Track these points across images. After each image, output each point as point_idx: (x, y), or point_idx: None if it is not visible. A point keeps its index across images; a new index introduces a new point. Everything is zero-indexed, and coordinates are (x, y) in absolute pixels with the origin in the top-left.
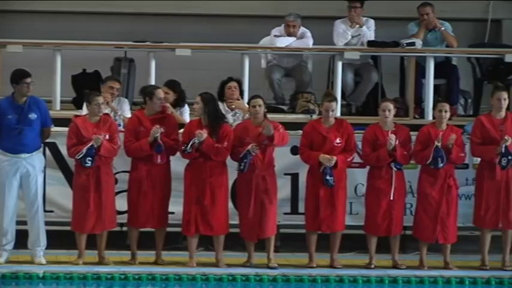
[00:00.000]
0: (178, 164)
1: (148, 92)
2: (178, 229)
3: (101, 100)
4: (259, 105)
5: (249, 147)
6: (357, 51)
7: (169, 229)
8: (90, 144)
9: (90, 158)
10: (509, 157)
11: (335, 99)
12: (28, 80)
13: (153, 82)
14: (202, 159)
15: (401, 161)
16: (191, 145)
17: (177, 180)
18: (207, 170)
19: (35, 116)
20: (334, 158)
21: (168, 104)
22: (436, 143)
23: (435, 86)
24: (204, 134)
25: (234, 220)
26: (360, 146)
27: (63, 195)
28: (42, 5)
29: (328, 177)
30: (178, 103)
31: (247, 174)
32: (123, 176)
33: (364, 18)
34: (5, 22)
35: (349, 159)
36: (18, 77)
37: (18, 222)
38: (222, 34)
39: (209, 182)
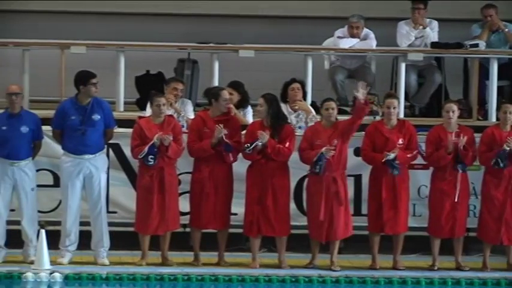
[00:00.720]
0: (240, 165)
1: (214, 93)
2: (241, 230)
3: (162, 101)
4: (332, 108)
5: (323, 150)
6: (420, 52)
7: (231, 230)
8: (152, 142)
9: (152, 156)
10: None
11: (396, 98)
12: (95, 80)
13: (216, 83)
14: (264, 160)
15: (467, 163)
16: (253, 147)
17: (239, 181)
18: (269, 171)
19: (98, 117)
20: (396, 150)
21: (231, 105)
22: (504, 146)
23: (499, 88)
24: (266, 135)
25: (297, 221)
26: (423, 147)
27: (126, 196)
28: (106, 6)
29: (394, 164)
30: (241, 104)
31: (318, 176)
32: (187, 177)
33: (428, 20)
34: (70, 23)
35: (409, 155)
36: (85, 78)
37: (81, 223)
38: (285, 35)
39: (271, 183)
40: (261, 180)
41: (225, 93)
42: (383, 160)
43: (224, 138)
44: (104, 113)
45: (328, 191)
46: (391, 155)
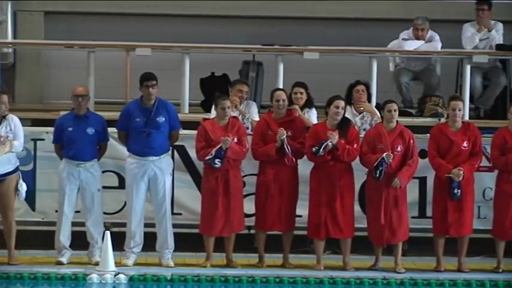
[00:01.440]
0: (304, 167)
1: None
2: (305, 232)
3: (227, 103)
4: (395, 110)
5: (384, 155)
6: (485, 54)
7: (296, 232)
8: (219, 146)
9: (219, 160)
10: None
11: (461, 100)
12: (149, 83)
13: (281, 85)
14: (332, 162)
15: None
16: (324, 148)
17: (304, 183)
18: (337, 173)
19: (163, 119)
20: (462, 171)
21: (296, 107)
22: None
23: None
24: (336, 135)
25: (361, 224)
26: (488, 150)
27: (191, 198)
28: (172, 8)
29: (455, 191)
30: (306, 105)
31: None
32: (251, 179)
33: (493, 22)
34: (135, 25)
35: (476, 166)
36: (141, 79)
37: (146, 225)
38: (350, 37)
39: (339, 184)
40: (328, 182)
41: (278, 95)
42: (448, 181)
43: (286, 141)
44: (169, 115)
45: (388, 195)
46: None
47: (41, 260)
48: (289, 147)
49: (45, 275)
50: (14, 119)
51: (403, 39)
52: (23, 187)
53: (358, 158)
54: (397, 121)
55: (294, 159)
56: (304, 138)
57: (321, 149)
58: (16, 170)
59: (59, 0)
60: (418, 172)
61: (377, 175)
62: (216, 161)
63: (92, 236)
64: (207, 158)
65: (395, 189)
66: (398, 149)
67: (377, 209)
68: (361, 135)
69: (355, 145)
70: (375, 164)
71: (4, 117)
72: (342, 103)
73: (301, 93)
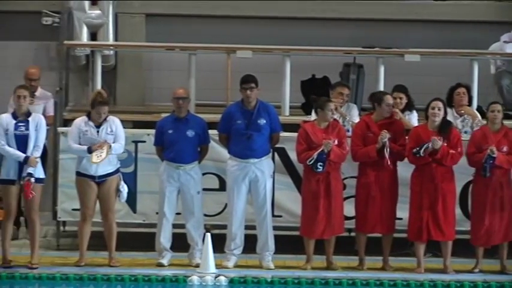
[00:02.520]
0: (404, 170)
1: (377, 98)
2: (405, 235)
3: (332, 106)
4: (498, 111)
5: (488, 151)
6: None
7: (396, 235)
8: (321, 149)
9: (321, 164)
10: None
11: None
12: (247, 85)
13: (381, 88)
14: (434, 165)
15: None
16: (424, 149)
17: (404, 186)
18: (439, 176)
19: (264, 121)
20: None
21: (397, 110)
22: None
23: None
24: (439, 141)
25: (462, 227)
26: None
27: (292, 200)
28: (272, 11)
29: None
30: (407, 108)
31: (486, 180)
32: (352, 181)
33: None
34: (236, 27)
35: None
36: (241, 82)
37: (246, 227)
38: (450, 40)
39: (441, 187)
40: (430, 185)
41: (388, 98)
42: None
43: (387, 143)
44: (270, 117)
45: (494, 196)
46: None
47: (142, 262)
48: (388, 150)
49: (146, 276)
50: (115, 121)
51: (504, 41)
52: (124, 188)
53: (467, 159)
54: (502, 122)
55: (390, 162)
56: (404, 140)
57: (422, 150)
58: (117, 171)
59: (161, 1)
60: None
61: (485, 172)
62: (318, 165)
63: (193, 238)
64: (308, 162)
65: (502, 190)
66: (504, 149)
67: (483, 210)
68: (463, 139)
69: (458, 149)
70: (483, 162)
71: (105, 118)
72: (438, 104)
73: (400, 98)
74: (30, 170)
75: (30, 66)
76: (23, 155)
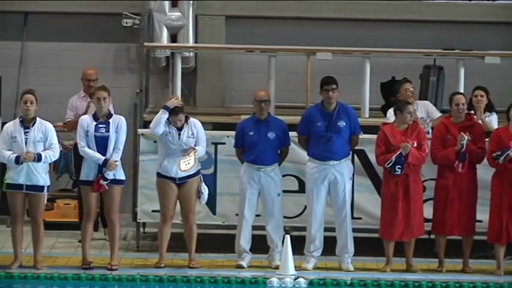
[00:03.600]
0: (484, 172)
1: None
2: (485, 237)
3: (411, 108)
4: None
5: None
6: None
7: (476, 237)
8: (399, 152)
9: (399, 166)
10: None
11: None
12: (329, 86)
13: (461, 90)
14: None
15: None
16: (504, 157)
17: (484, 188)
18: None
19: (344, 123)
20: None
21: (475, 112)
22: None
23: None
24: None
25: None
26: None
27: (371, 202)
28: (351, 13)
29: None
30: (487, 110)
31: None
32: (431, 183)
33: None
34: (316, 29)
35: None
36: (322, 83)
37: (326, 229)
38: None
39: None
40: (511, 188)
41: (457, 99)
42: None
43: (465, 146)
44: (350, 119)
45: None
46: None
47: (221, 264)
48: (466, 155)
49: (225, 278)
50: (196, 124)
51: None
52: (205, 190)
53: None
54: None
55: (462, 168)
56: (483, 143)
57: (502, 158)
58: (197, 173)
59: (241, 3)
60: None
61: None
62: (397, 167)
63: (272, 240)
64: (387, 165)
65: None
66: None
67: None
68: None
69: None
70: None
71: (186, 121)
72: None
73: (481, 95)
74: (108, 174)
75: (88, 67)
76: (102, 158)
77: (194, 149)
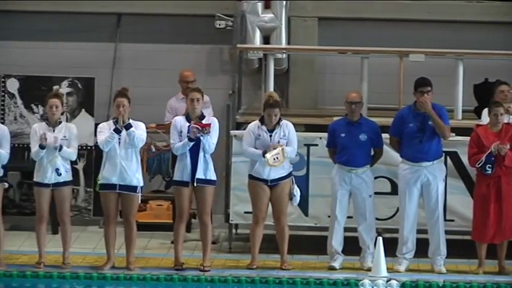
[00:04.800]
0: None
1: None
2: None
3: (501, 110)
4: None
5: None
6: None
7: None
8: (489, 151)
9: (489, 165)
10: None
11: None
12: (424, 89)
13: None
14: None
15: None
16: (492, 167)
17: None
18: None
19: None
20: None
21: None
22: None
23: None
24: None
25: None
26: None
27: (463, 204)
28: (444, 15)
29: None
30: None
31: None
32: None
33: None
34: (410, 30)
35: None
36: (416, 85)
37: (418, 231)
38: None
39: None
40: None
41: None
42: None
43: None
44: (442, 120)
45: None
46: None
47: (313, 265)
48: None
49: (317, 280)
50: (288, 126)
51: None
52: (298, 192)
53: None
54: None
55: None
56: None
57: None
58: (289, 175)
59: (334, 4)
60: None
61: None
62: (487, 167)
63: (364, 241)
64: (477, 164)
65: None
66: None
67: None
68: None
69: None
70: None
71: (278, 123)
72: None
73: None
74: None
75: (184, 68)
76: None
77: (281, 145)
